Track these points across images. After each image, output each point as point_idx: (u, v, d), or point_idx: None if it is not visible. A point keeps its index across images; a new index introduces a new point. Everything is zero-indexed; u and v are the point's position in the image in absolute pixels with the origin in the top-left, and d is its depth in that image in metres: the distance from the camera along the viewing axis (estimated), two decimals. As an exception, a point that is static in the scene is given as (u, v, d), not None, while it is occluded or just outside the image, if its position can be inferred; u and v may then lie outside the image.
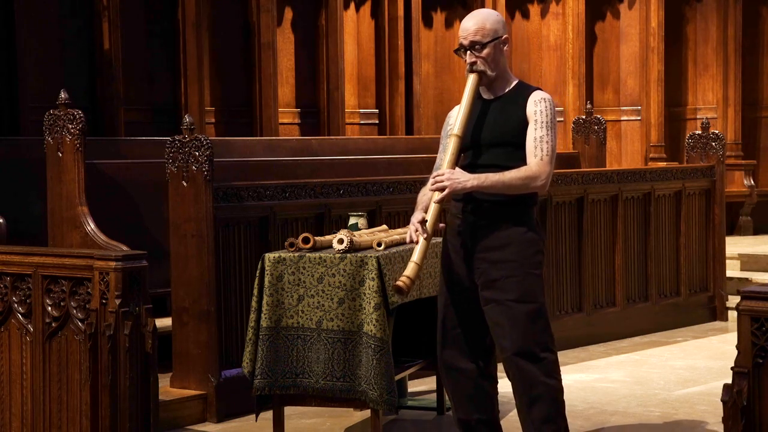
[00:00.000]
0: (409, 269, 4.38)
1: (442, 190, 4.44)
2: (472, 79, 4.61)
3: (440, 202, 4.46)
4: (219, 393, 5.94)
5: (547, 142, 4.54)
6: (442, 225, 4.55)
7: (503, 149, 4.58)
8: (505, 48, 4.66)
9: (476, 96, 4.65)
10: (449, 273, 4.72)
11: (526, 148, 4.55)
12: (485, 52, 4.58)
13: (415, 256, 4.40)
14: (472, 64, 4.60)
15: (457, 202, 4.67)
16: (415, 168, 8.17)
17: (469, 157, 4.65)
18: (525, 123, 4.57)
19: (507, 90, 4.66)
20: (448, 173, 4.46)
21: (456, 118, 4.60)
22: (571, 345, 7.64)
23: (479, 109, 4.66)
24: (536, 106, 4.57)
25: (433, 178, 4.49)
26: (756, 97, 11.80)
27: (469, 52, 4.59)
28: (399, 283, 4.36)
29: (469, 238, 4.62)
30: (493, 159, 4.58)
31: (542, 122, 4.55)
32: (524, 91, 4.65)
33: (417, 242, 4.44)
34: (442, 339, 4.73)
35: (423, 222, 4.46)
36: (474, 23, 4.61)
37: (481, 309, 4.61)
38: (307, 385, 5.14)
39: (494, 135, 4.60)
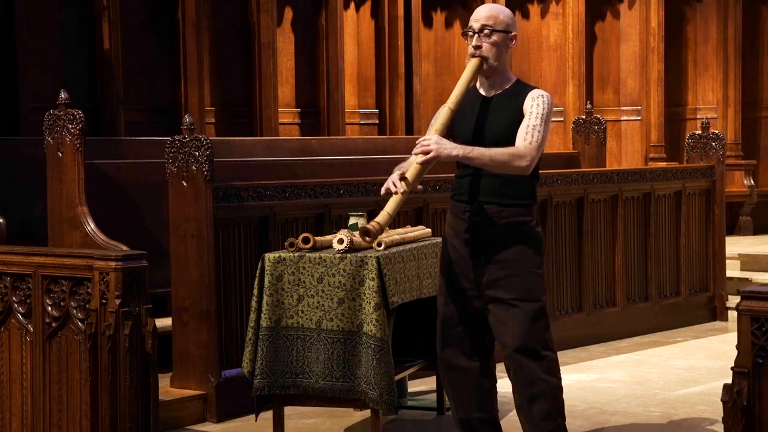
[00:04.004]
0: (381, 216, 4.38)
1: (427, 153, 4.43)
2: (473, 62, 4.61)
3: (423, 164, 4.43)
4: (219, 393, 5.94)
5: (539, 131, 4.53)
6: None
7: (503, 147, 4.54)
8: (511, 45, 4.67)
9: (473, 84, 4.66)
10: (450, 272, 4.72)
11: (518, 134, 4.54)
12: (493, 39, 4.60)
13: (389, 206, 4.39)
14: (477, 47, 4.60)
15: (459, 202, 4.68)
16: (415, 168, 8.15)
17: None
18: (522, 119, 4.57)
19: (506, 87, 4.67)
20: (435, 138, 4.46)
21: (452, 94, 4.60)
22: (571, 345, 7.64)
23: (478, 107, 4.67)
24: (533, 101, 4.58)
25: (419, 142, 4.47)
26: (756, 97, 11.80)
27: (476, 35, 4.61)
28: (368, 226, 4.36)
29: (471, 238, 4.63)
30: None
31: (537, 114, 4.55)
32: (523, 89, 4.67)
33: (394, 194, 4.41)
34: (442, 338, 4.74)
35: (403, 178, 4.43)
36: (488, 11, 4.67)
37: (481, 308, 4.63)
38: (306, 385, 5.14)
39: (493, 133, 4.60)
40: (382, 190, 4.48)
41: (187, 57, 9.29)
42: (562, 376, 4.67)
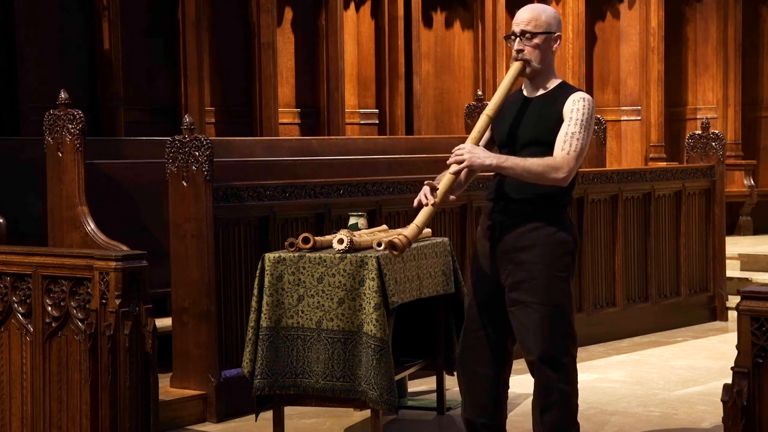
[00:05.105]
0: (409, 229, 4.34)
1: (460, 163, 4.41)
2: (515, 66, 4.58)
3: (456, 173, 4.41)
4: (219, 393, 5.94)
5: (578, 139, 4.45)
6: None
7: (538, 148, 4.50)
8: (555, 45, 4.65)
9: (515, 86, 4.61)
10: (477, 274, 4.69)
11: (556, 142, 4.46)
12: (534, 42, 4.58)
13: (418, 219, 4.36)
14: (519, 51, 4.58)
15: (489, 201, 4.65)
16: (415, 168, 8.17)
17: (504, 154, 4.58)
18: (561, 122, 4.50)
19: (548, 89, 4.62)
20: (469, 147, 4.42)
21: (491, 100, 4.56)
22: (571, 345, 7.63)
23: (519, 107, 4.62)
24: (574, 104, 4.51)
25: (453, 151, 4.45)
26: (756, 97, 11.81)
27: (518, 39, 4.58)
28: (395, 239, 4.29)
29: (497, 238, 4.57)
30: (527, 157, 4.49)
31: (577, 120, 4.48)
32: (566, 90, 4.60)
33: (425, 206, 4.39)
34: (463, 339, 4.73)
35: (433, 189, 4.40)
36: (529, 13, 4.62)
37: (506, 311, 4.57)
38: (307, 385, 5.14)
39: (530, 133, 4.55)
40: (415, 203, 4.44)
41: (187, 57, 9.29)
42: None
